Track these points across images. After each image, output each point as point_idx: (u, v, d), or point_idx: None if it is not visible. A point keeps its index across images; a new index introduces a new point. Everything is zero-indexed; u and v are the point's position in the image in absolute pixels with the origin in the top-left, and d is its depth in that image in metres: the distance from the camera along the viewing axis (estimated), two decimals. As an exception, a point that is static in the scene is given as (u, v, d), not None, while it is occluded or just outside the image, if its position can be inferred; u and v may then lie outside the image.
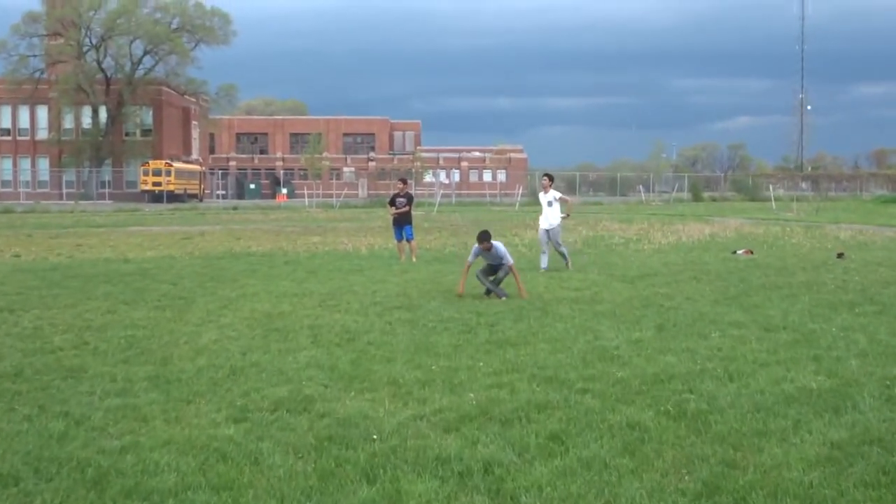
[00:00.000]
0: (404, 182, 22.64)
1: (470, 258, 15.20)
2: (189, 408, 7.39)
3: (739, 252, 23.25)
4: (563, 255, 19.56)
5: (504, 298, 14.33)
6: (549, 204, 19.53)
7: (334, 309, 13.42)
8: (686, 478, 5.52)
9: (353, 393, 7.87)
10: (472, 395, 7.71)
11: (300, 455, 5.99)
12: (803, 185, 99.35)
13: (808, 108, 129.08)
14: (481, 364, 9.05)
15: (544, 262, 19.21)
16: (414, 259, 21.31)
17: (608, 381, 8.16)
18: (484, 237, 15.05)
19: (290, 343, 10.51)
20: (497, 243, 15.03)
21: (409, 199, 22.11)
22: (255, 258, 21.98)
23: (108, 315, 12.75)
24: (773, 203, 55.62)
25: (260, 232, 33.78)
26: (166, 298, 14.53)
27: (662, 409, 7.10)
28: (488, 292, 14.69)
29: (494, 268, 14.79)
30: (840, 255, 21.69)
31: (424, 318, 12.47)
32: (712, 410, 7.01)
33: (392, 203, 22.22)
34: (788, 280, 16.85)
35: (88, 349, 10.15)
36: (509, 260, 14.85)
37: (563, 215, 19.74)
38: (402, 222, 21.89)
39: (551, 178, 20.24)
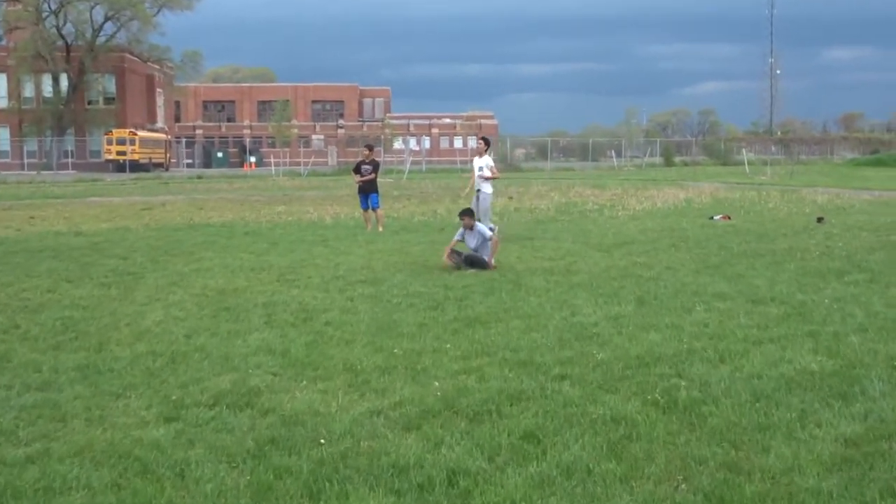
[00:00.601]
0: (370, 149, 21.65)
1: (456, 237, 14.38)
2: (117, 404, 6.52)
3: (717, 217, 22.57)
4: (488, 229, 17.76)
5: (473, 271, 13.53)
6: (481, 170, 17.93)
7: (293, 284, 12.55)
8: (683, 486, 4.74)
9: (304, 382, 7.04)
10: (437, 383, 6.90)
11: (234, 464, 5.14)
12: (773, 148, 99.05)
13: (778, 72, 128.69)
14: (448, 346, 8.24)
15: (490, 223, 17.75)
16: (380, 228, 20.44)
17: (588, 365, 7.37)
18: (466, 213, 14.33)
19: (240, 324, 9.65)
20: (479, 224, 14.26)
21: (375, 166, 21.17)
22: (215, 229, 21.01)
23: (48, 294, 11.81)
24: (747, 167, 55.06)
25: (223, 202, 32.72)
26: (114, 274, 13.60)
27: (650, 397, 6.32)
28: (459, 266, 13.88)
29: (474, 260, 13.92)
30: (820, 220, 21.06)
31: (389, 293, 11.64)
32: (706, 399, 6.23)
33: (357, 171, 21.31)
34: (770, 247, 16.16)
35: (18, 334, 9.23)
36: (488, 234, 14.06)
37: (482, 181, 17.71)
38: (367, 190, 21.01)
39: (487, 143, 18.56)
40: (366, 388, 6.84)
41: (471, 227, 14.10)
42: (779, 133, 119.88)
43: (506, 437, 5.46)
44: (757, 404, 6.07)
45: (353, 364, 7.58)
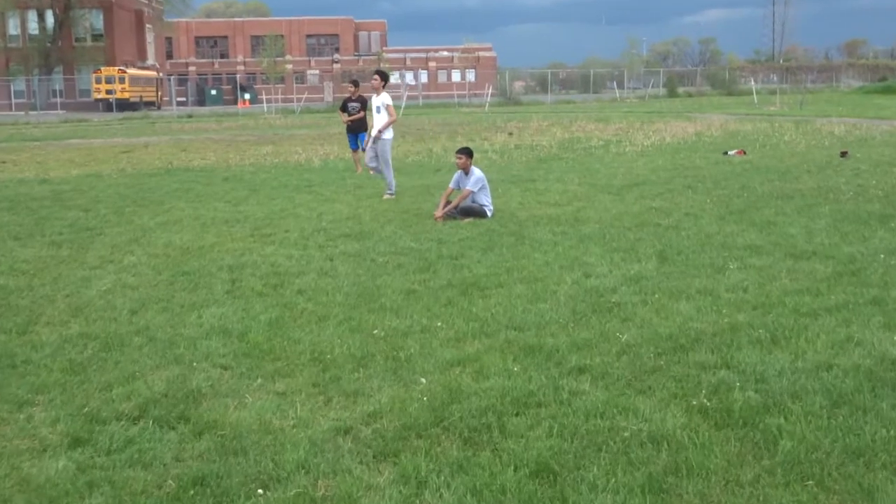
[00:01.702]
0: (356, 85, 19.91)
1: (451, 184, 12.86)
2: (17, 417, 5.15)
3: (731, 153, 21.06)
4: (382, 174, 15.43)
5: (469, 220, 12.10)
6: (378, 110, 15.25)
7: (268, 240, 11.14)
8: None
9: (259, 381, 5.66)
10: (423, 381, 5.52)
11: (140, 526, 3.79)
12: (773, 77, 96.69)
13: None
14: (439, 324, 6.85)
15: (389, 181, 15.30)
16: (359, 171, 19.02)
17: (611, 351, 5.98)
18: (464, 151, 12.80)
19: (199, 293, 8.26)
20: (476, 169, 12.72)
21: (363, 103, 19.53)
22: (193, 174, 19.51)
23: (-12, 256, 10.41)
24: (756, 97, 53.20)
25: (210, 142, 31.11)
26: (70, 230, 12.18)
27: (695, 402, 4.94)
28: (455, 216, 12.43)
29: (470, 209, 12.43)
30: (843, 154, 19.55)
31: (375, 249, 10.24)
32: (769, 406, 4.84)
33: (344, 109, 19.78)
34: (796, 186, 14.71)
35: (-66, 310, 7.85)
36: (484, 179, 12.56)
37: (381, 131, 15.12)
38: (356, 129, 19.52)
39: (384, 77, 15.44)
40: (334, 388, 5.46)
41: (466, 170, 12.63)
42: (781, 61, 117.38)
43: (511, 475, 4.07)
44: (838, 413, 4.68)
45: (322, 352, 6.20)
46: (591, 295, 7.67)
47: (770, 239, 10.07)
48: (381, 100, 15.17)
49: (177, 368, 5.95)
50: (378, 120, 15.19)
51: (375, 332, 6.68)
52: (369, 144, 15.46)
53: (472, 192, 12.44)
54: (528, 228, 11.35)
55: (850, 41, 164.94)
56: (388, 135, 15.22)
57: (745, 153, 20.93)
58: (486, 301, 7.59)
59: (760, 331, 6.26)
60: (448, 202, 12.52)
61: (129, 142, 32.37)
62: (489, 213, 12.42)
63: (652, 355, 5.84)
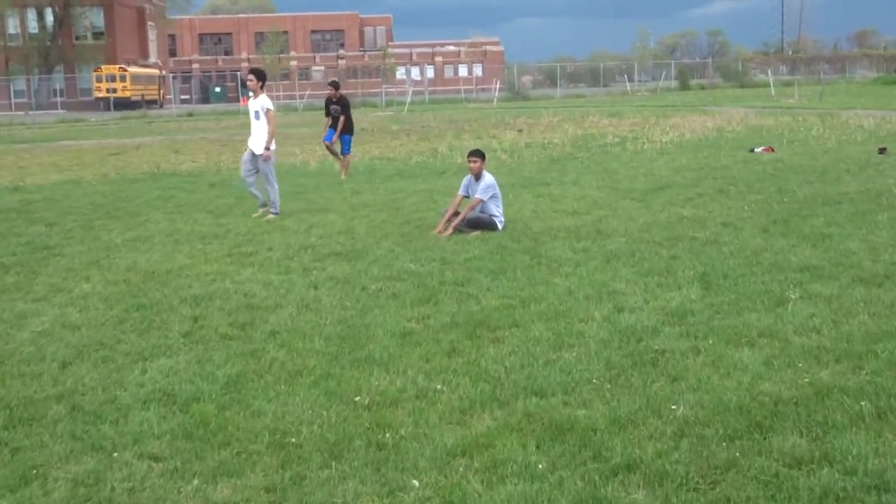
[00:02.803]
0: (335, 86, 18.50)
1: (461, 190, 11.40)
2: None
3: (759, 150, 19.56)
4: (259, 195, 13.04)
5: (477, 233, 10.66)
6: (256, 116, 12.82)
7: (246, 261, 9.70)
8: None
9: (194, 482, 4.21)
10: (415, 483, 4.08)
11: None
12: (783, 68, 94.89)
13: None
14: (439, 386, 5.40)
15: (258, 193, 13.10)
16: (343, 175, 17.57)
17: (665, 433, 4.52)
18: (476, 153, 11.32)
19: (150, 337, 6.82)
20: (487, 174, 11.25)
21: (345, 105, 18.30)
22: (178, 180, 18.09)
23: (-79, 284, 8.99)
24: (773, 89, 51.52)
25: (205, 143, 29.70)
26: (26, 249, 10.76)
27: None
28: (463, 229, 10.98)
29: (479, 220, 10.96)
30: (882, 151, 18.02)
31: (367, 273, 8.80)
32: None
33: (327, 113, 18.41)
34: (840, 189, 13.22)
35: None
36: (479, 195, 11.06)
37: (268, 145, 12.74)
38: (334, 129, 18.28)
39: (260, 77, 12.86)
40: (294, 496, 4.01)
41: (478, 176, 11.18)
42: (791, 52, 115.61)
43: None
44: None
45: (286, 432, 4.75)
46: (628, 338, 6.21)
47: (828, 257, 8.59)
48: (259, 103, 12.74)
49: (92, 460, 4.51)
50: (257, 128, 12.79)
51: (358, 398, 5.23)
52: (248, 153, 13.01)
53: (483, 200, 10.99)
54: (544, 244, 9.90)
55: (859, 31, 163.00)
56: (273, 146, 12.88)
57: (773, 150, 19.44)
58: (499, 348, 6.14)
59: (861, 402, 4.77)
60: (457, 213, 11.06)
61: (122, 143, 30.98)
62: (500, 226, 10.97)
63: (721, 440, 4.38)
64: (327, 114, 18.45)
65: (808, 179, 14.42)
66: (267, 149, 12.68)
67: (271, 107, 12.87)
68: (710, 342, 6.01)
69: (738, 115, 33.23)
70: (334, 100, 18.26)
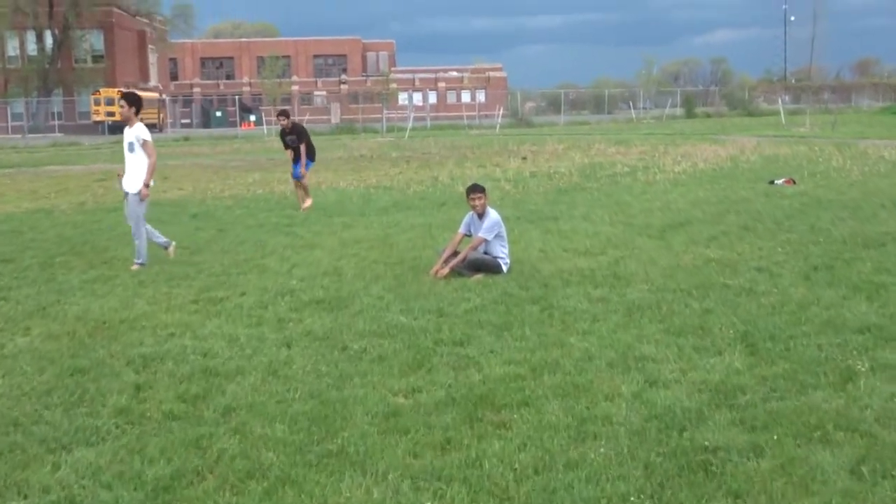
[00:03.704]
0: (286, 115, 16.92)
1: (461, 228, 10.18)
2: None
3: (779, 182, 18.36)
4: (136, 243, 10.89)
5: (479, 277, 9.42)
6: (131, 148, 10.88)
7: (214, 308, 8.46)
8: None
9: None
10: None
11: None
12: (786, 97, 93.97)
13: (792, 18, 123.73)
14: (429, 503, 4.13)
15: (156, 237, 11.22)
16: (303, 206, 16.15)
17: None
18: (476, 189, 10.07)
19: (77, 415, 5.56)
20: (492, 211, 10.00)
21: (300, 132, 16.73)
22: (159, 209, 16.76)
23: None
24: (783, 118, 50.32)
25: (196, 168, 28.52)
26: (-31, 292, 9.51)
27: None
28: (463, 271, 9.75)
29: (481, 262, 9.71)
30: (913, 185, 16.82)
31: (351, 326, 7.56)
32: None
33: (286, 145, 16.96)
34: (880, 229, 11.99)
35: None
36: (483, 234, 9.82)
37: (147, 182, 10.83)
38: (296, 159, 16.73)
39: (132, 102, 10.76)
40: None
41: (481, 213, 9.94)
42: (794, 81, 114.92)
43: None
44: None
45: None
46: (667, 427, 4.95)
47: (889, 313, 7.35)
48: (134, 133, 10.77)
49: None
50: (131, 163, 10.83)
51: (320, 522, 3.97)
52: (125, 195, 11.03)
53: (486, 240, 9.76)
54: (555, 291, 8.66)
55: (862, 60, 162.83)
56: (139, 184, 10.81)
57: (794, 182, 18.24)
58: (506, 440, 4.87)
59: None
60: (456, 253, 9.83)
61: (111, 168, 29.74)
62: (504, 268, 9.73)
63: None
64: (286, 146, 16.93)
65: (840, 216, 13.19)
66: (146, 185, 10.75)
67: (148, 137, 10.83)
68: (774, 437, 4.74)
69: (751, 144, 32.03)
70: (288, 130, 16.75)
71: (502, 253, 9.82)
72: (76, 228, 14.19)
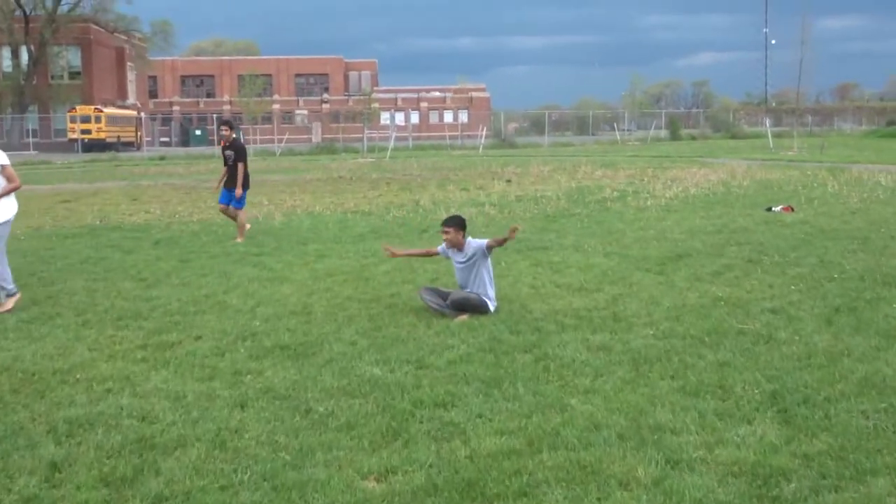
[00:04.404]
0: (229, 126, 14.91)
1: (439, 248, 9.27)
2: None
3: (777, 209, 17.50)
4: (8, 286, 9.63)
5: (464, 318, 8.43)
6: None
7: (163, 356, 7.41)
8: None
9: None
10: None
11: None
12: (767, 120, 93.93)
13: (773, 42, 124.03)
14: None
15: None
16: (239, 239, 14.49)
17: None
18: (452, 221, 9.06)
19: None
20: (474, 242, 8.95)
21: (239, 151, 14.79)
22: (121, 234, 15.77)
23: None
24: (771, 141, 49.64)
25: (168, 189, 27.41)
26: None
27: None
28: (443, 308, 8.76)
29: (465, 302, 8.67)
30: (918, 213, 15.98)
31: (317, 381, 6.54)
32: None
33: (225, 161, 15.04)
34: (893, 262, 11.08)
35: None
36: (480, 245, 8.84)
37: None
38: (229, 184, 14.90)
39: None
40: None
41: (458, 246, 8.95)
42: (774, 104, 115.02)
43: None
44: None
45: None
46: (702, 534, 3.95)
47: (933, 369, 6.39)
48: None
49: None
50: None
51: None
52: None
53: (490, 248, 8.77)
54: (549, 337, 7.67)
55: (842, 84, 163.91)
56: (10, 214, 9.69)
57: (793, 209, 17.37)
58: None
59: None
60: (433, 292, 8.87)
61: (80, 188, 28.65)
62: (492, 307, 8.74)
63: None
64: (225, 162, 15.01)
65: (849, 248, 12.30)
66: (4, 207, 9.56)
67: (7, 163, 9.58)
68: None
69: (741, 167, 31.26)
70: (227, 143, 14.83)
71: (489, 293, 8.81)
72: (26, 257, 13.07)
